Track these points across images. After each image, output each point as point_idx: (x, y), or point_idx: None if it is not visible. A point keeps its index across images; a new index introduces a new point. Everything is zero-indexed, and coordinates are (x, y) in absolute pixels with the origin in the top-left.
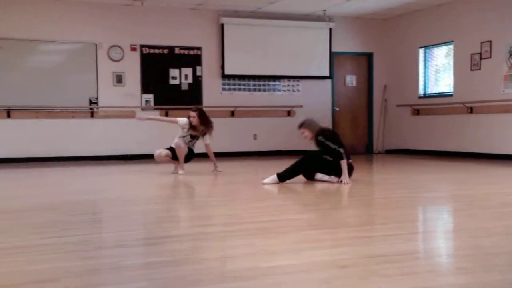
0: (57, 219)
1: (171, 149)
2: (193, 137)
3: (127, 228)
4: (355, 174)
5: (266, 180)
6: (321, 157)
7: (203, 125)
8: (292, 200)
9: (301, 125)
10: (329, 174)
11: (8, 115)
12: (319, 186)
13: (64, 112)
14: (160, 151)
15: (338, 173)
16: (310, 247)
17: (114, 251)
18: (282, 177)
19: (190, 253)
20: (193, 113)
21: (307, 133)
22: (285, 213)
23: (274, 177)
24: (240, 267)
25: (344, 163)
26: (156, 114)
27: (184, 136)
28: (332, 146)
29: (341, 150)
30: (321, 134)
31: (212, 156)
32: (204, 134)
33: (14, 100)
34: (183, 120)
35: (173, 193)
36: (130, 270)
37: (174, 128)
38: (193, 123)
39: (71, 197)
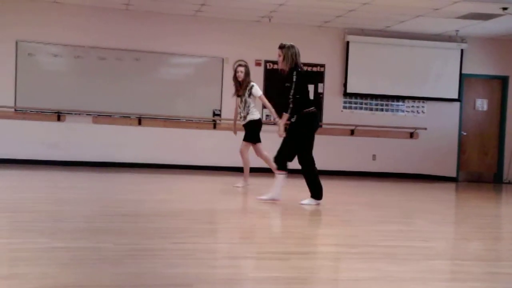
0: (182, 225)
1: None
2: (241, 99)
3: (249, 240)
4: (481, 205)
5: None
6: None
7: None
8: (416, 226)
9: (282, 47)
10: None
11: (139, 123)
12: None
13: (189, 122)
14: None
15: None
16: (441, 278)
17: (240, 262)
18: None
19: (315, 272)
20: (241, 68)
21: (281, 57)
22: (411, 239)
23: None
24: None
25: (284, 117)
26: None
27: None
28: (291, 94)
29: (291, 105)
30: (295, 72)
31: (269, 107)
32: (247, 87)
33: (145, 109)
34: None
35: (290, 209)
36: (258, 283)
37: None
38: (239, 79)
39: (194, 205)
